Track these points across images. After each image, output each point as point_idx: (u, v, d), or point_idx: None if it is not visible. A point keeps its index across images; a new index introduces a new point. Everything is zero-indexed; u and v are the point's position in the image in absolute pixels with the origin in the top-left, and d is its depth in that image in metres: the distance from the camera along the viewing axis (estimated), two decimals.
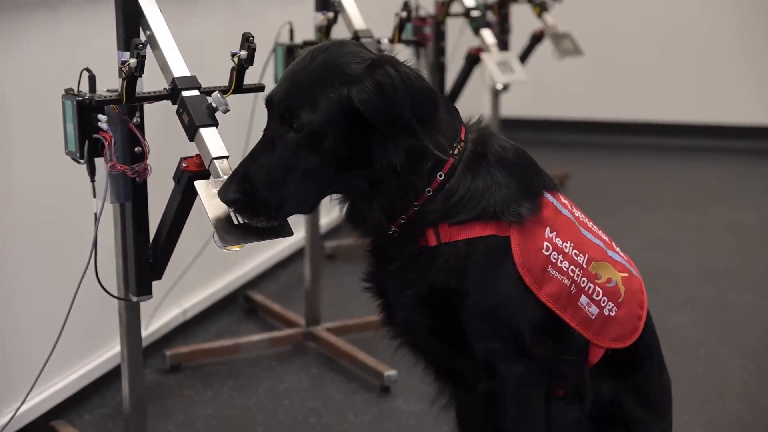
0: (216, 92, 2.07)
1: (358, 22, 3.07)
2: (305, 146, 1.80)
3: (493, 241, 1.86)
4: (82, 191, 2.31)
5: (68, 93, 2.13)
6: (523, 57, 5.16)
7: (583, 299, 1.92)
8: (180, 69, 2.13)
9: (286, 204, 1.83)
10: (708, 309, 3.87)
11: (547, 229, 1.90)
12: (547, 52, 5.38)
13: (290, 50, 3.15)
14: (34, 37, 2.69)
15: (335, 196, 1.92)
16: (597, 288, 1.94)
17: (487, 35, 4.23)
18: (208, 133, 2.05)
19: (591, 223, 2.03)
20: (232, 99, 2.11)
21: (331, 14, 3.11)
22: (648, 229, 5.01)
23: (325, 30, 3.12)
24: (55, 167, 2.70)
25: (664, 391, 2.11)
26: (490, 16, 4.62)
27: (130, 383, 2.37)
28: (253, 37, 2.10)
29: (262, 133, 1.86)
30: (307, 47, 1.93)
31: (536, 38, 5.19)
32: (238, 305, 3.85)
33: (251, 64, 2.14)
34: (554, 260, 1.89)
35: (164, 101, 2.15)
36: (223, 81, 2.19)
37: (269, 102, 1.86)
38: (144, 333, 3.07)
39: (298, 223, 2.87)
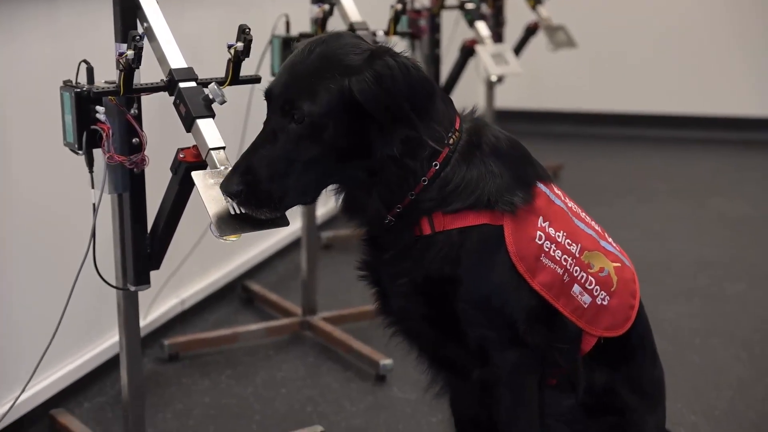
0: (213, 83, 2.07)
1: (354, 15, 3.08)
2: (306, 137, 1.81)
3: (486, 230, 1.87)
4: (80, 182, 2.32)
5: (66, 84, 2.13)
6: (518, 49, 5.16)
7: (576, 288, 1.93)
8: (177, 60, 2.13)
9: (288, 195, 1.83)
10: (702, 299, 3.89)
11: (540, 218, 1.91)
12: (542, 45, 5.38)
13: (287, 42, 3.15)
14: (32, 29, 2.70)
15: (331, 186, 1.93)
16: (590, 277, 1.95)
17: (482, 27, 4.24)
18: (204, 124, 2.05)
19: (584, 214, 2.04)
20: (228, 90, 2.11)
21: (327, 7, 3.13)
22: (643, 220, 5.02)
23: (321, 22, 3.13)
24: (53, 158, 2.70)
25: (657, 381, 2.12)
26: (485, 8, 4.65)
27: (128, 372, 2.38)
28: (249, 29, 2.11)
29: (258, 125, 1.87)
30: (305, 39, 1.93)
31: (530, 30, 5.20)
32: (235, 295, 3.86)
33: (248, 55, 2.14)
34: (547, 249, 1.90)
35: (161, 92, 2.15)
36: (220, 73, 2.19)
37: (269, 94, 1.86)
38: (142, 322, 3.09)
39: (294, 213, 2.88)
